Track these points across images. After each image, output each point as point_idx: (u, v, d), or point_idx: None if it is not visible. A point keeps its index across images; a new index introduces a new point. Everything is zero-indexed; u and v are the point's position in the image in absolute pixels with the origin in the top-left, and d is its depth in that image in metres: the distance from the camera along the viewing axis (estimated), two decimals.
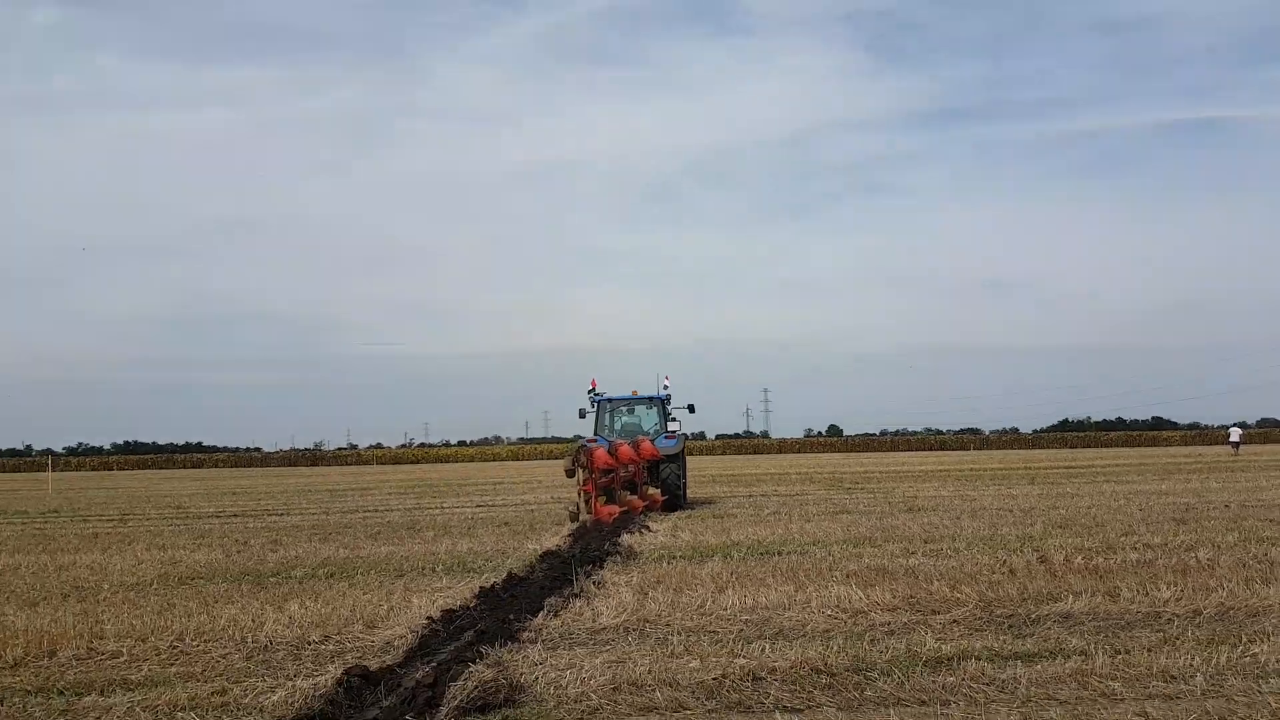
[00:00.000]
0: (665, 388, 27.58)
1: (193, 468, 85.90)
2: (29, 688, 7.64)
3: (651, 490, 24.44)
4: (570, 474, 22.01)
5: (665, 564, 13.32)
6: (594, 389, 26.98)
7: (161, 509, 31.42)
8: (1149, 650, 7.50)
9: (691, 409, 28.21)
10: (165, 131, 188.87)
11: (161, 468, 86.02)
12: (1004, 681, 6.72)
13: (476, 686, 6.70)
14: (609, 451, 22.41)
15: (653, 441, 24.81)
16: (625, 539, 17.41)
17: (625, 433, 26.63)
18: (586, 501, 22.04)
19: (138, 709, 6.88)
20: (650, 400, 27.39)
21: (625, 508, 22.08)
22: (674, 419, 27.02)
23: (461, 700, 6.61)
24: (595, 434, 26.28)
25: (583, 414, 27.46)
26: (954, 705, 6.28)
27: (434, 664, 8.36)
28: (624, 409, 27.59)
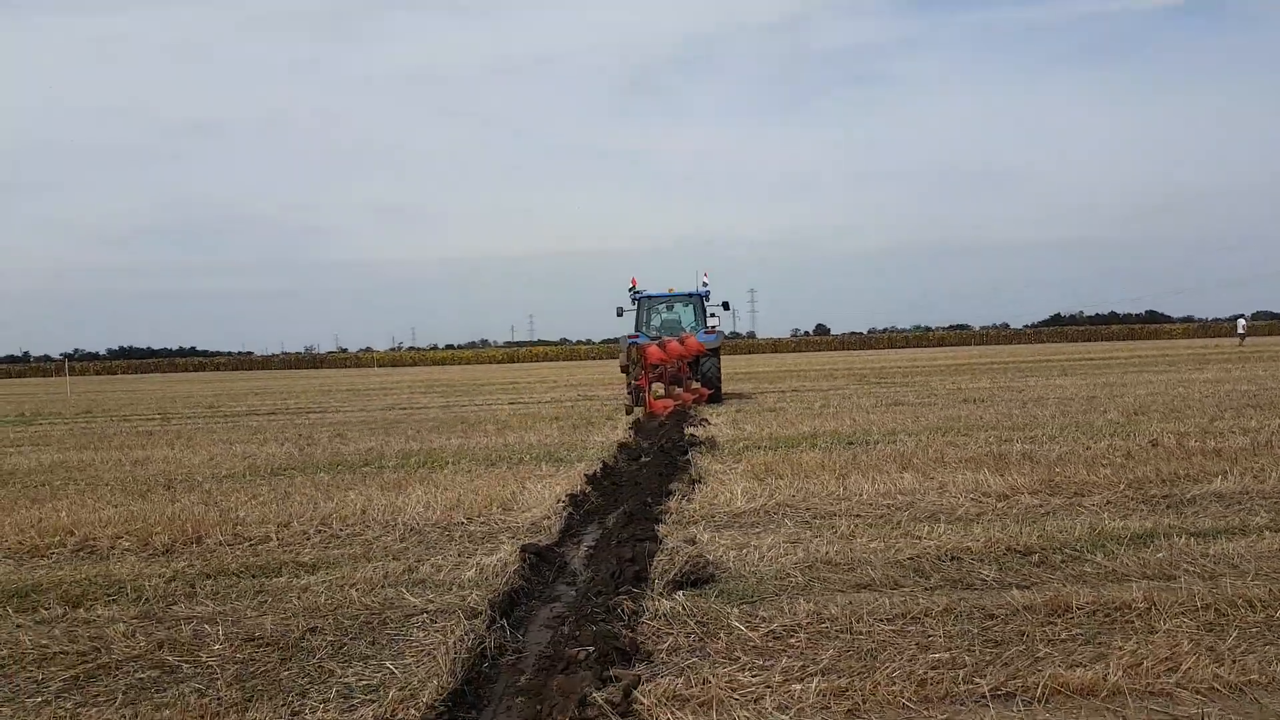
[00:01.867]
0: (704, 284, 27.68)
1: (195, 370, 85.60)
2: (199, 572, 7.55)
3: (695, 385, 24.92)
4: (625, 370, 22.46)
5: (760, 453, 13.29)
6: (634, 287, 27.07)
7: (194, 409, 31.28)
8: None
9: (726, 306, 28.28)
10: (139, 33, 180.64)
11: (165, 371, 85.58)
12: (1213, 556, 6.71)
13: (687, 561, 6.63)
14: (659, 346, 22.86)
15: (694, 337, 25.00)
16: (693, 431, 17.45)
17: (665, 329, 26.79)
18: (639, 396, 22.40)
19: (336, 587, 6.79)
20: (689, 296, 27.54)
21: (678, 401, 22.34)
22: (712, 314, 27.14)
23: (674, 575, 6.55)
24: (636, 331, 26.39)
25: (620, 312, 27.69)
26: (1180, 579, 6.25)
27: (595, 543, 8.34)
28: (663, 306, 27.64)
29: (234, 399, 37.73)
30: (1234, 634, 5.17)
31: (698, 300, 27.23)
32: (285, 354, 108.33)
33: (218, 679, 5.14)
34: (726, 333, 31.02)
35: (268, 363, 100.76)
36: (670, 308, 27.72)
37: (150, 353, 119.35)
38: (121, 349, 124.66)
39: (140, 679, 5.23)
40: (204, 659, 5.47)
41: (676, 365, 23.74)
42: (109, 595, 6.91)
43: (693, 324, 26.96)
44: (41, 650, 5.70)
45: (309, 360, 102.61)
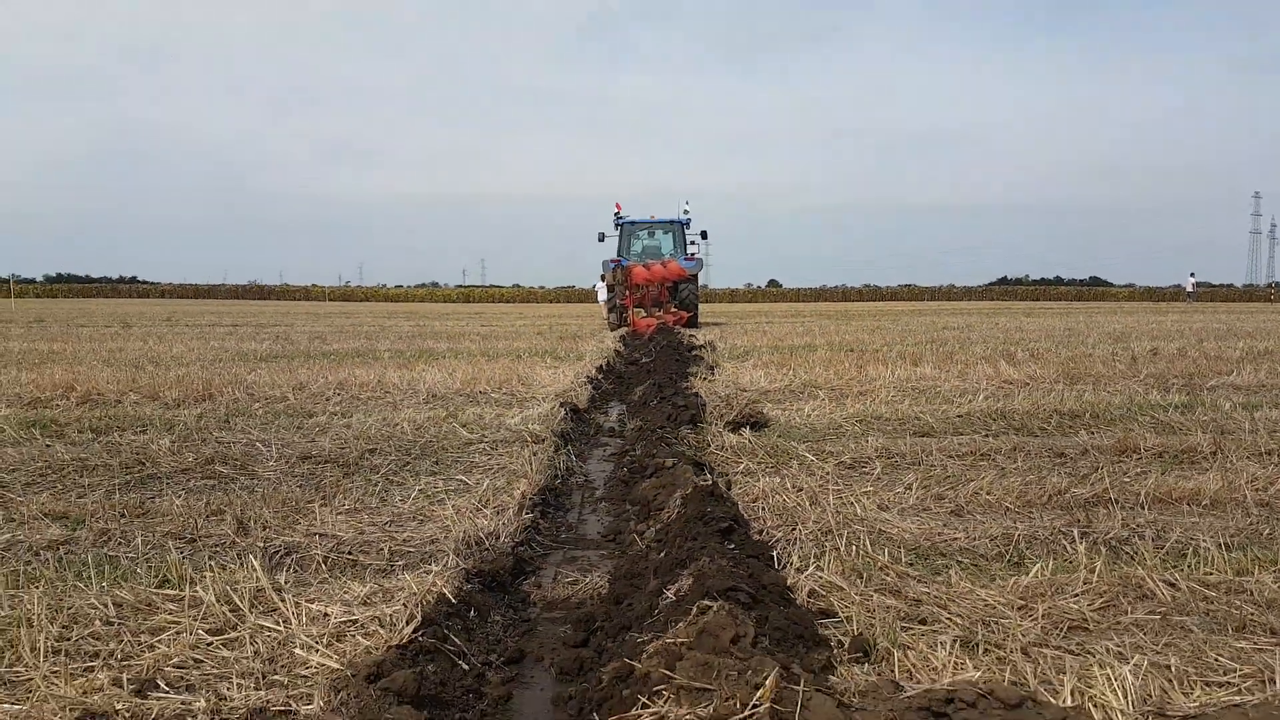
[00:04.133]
0: (685, 212, 27.76)
1: (139, 297, 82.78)
2: (227, 413, 7.21)
3: (673, 308, 25.04)
4: (610, 290, 22.62)
5: (766, 354, 13.24)
6: (619, 212, 27.05)
7: (154, 322, 30.19)
8: None
9: (705, 235, 28.34)
10: None
11: (107, 297, 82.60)
12: (1260, 419, 6.83)
13: (746, 405, 6.54)
14: (644, 268, 23.06)
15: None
16: (690, 336, 17.45)
17: (646, 255, 26.83)
18: (623, 315, 22.50)
19: (383, 424, 6.54)
20: (670, 224, 27.61)
21: (660, 320, 22.38)
22: (693, 242, 27.31)
23: (732, 416, 6.46)
24: (618, 256, 26.38)
25: (602, 237, 27.68)
26: (1236, 433, 6.34)
27: (635, 402, 8.20)
28: (644, 232, 27.66)
29: (191, 317, 36.54)
30: None
31: (678, 228, 27.29)
32: (231, 285, 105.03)
33: (283, 485, 4.90)
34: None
35: (213, 292, 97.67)
36: (652, 234, 27.71)
37: (90, 280, 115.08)
38: (60, 276, 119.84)
39: (197, 486, 4.97)
40: (260, 473, 5.22)
41: (658, 288, 23.87)
42: (138, 427, 6.57)
43: (673, 251, 27.03)
44: (82, 462, 5.39)
45: (255, 291, 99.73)
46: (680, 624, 2.63)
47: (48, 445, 5.86)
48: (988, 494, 4.67)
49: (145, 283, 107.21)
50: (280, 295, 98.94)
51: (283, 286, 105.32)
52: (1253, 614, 2.86)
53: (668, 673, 2.24)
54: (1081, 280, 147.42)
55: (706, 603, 2.62)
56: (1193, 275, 67.32)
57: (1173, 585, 3.09)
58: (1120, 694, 2.18)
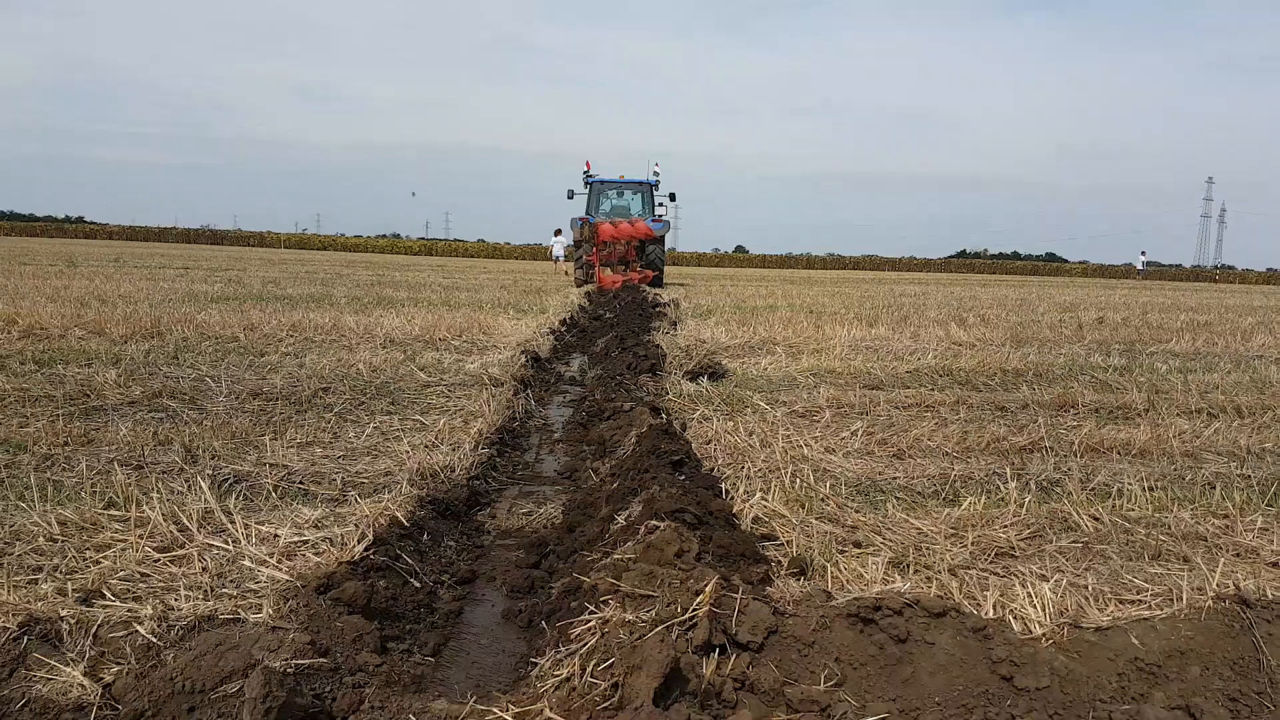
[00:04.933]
0: (655, 174, 27.76)
1: (86, 238, 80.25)
2: (175, 349, 7.11)
3: (639, 267, 25.08)
4: (578, 246, 22.63)
5: (728, 313, 13.34)
6: (588, 171, 26.94)
7: (101, 262, 29.36)
8: (1252, 373, 7.97)
9: (673, 197, 28.42)
10: None
11: (51, 236, 79.93)
12: (1193, 383, 7.09)
13: (705, 357, 6.62)
14: (611, 225, 23.19)
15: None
16: (654, 294, 17.52)
17: (614, 215, 26.80)
18: (589, 272, 22.57)
19: (337, 364, 6.51)
20: (639, 185, 27.60)
21: (625, 278, 22.46)
22: (661, 204, 27.35)
23: (690, 367, 6.53)
24: (586, 214, 26.32)
25: (571, 195, 27.55)
26: (1170, 393, 6.59)
27: (597, 351, 8.26)
28: (614, 192, 27.59)
29: (140, 259, 35.59)
30: (1235, 424, 5.49)
31: (647, 189, 27.27)
32: (182, 229, 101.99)
33: (233, 419, 4.87)
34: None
35: (164, 235, 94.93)
36: (621, 194, 27.65)
37: (33, 218, 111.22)
38: (1, 213, 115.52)
39: (144, 417, 4.92)
40: (209, 407, 5.18)
41: (625, 247, 23.91)
42: (83, 361, 6.45)
43: (640, 212, 27.04)
44: (23, 393, 5.29)
45: (208, 236, 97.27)
46: (629, 543, 2.72)
47: None
48: (929, 440, 4.82)
49: (92, 223, 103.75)
50: (233, 241, 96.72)
51: (236, 231, 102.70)
52: (1168, 544, 3.03)
53: (615, 582, 2.32)
54: (1038, 256, 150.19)
55: (655, 523, 2.70)
56: (1144, 254, 69.07)
57: (1096, 519, 3.24)
58: (1039, 607, 2.31)
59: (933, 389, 6.54)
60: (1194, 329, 11.98)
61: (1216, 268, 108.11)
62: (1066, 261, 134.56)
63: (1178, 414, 5.83)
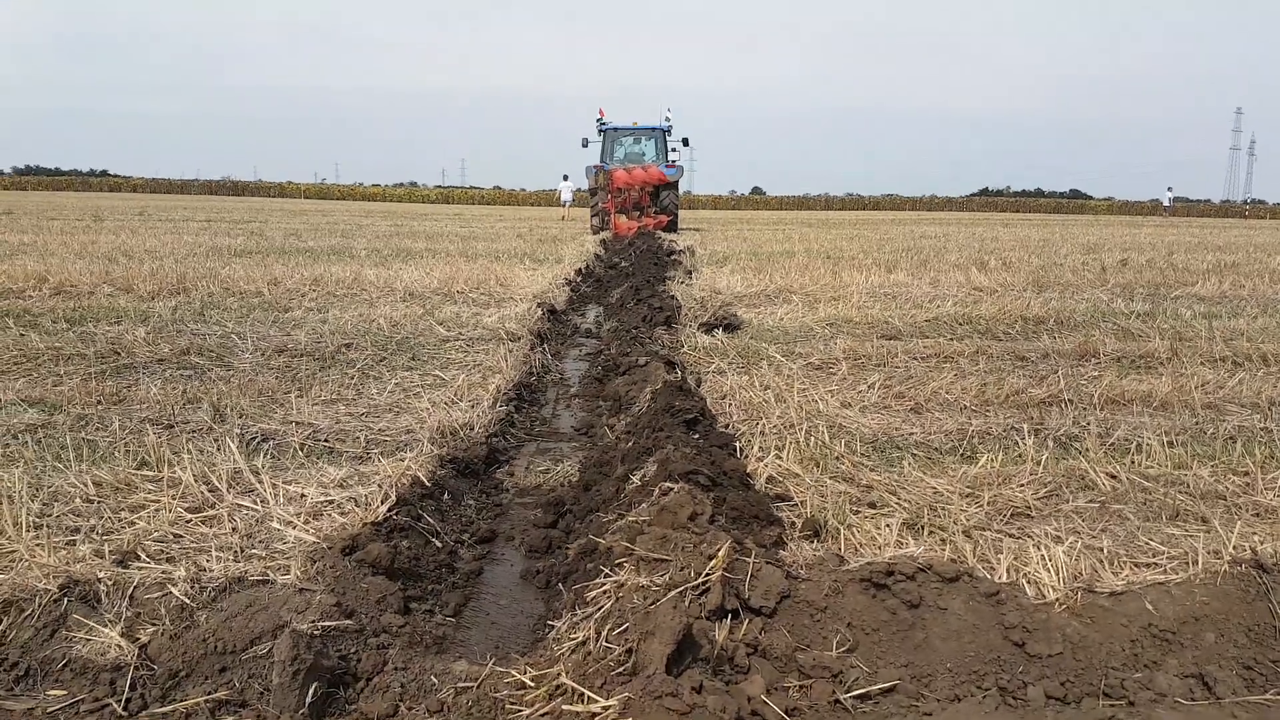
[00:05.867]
0: (667, 119, 27.52)
1: (111, 191, 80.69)
2: (202, 305, 7.20)
3: (654, 212, 25.02)
4: (593, 193, 22.62)
5: (744, 260, 13.26)
6: (602, 118, 26.71)
7: (126, 216, 29.56)
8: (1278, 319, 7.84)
9: (686, 142, 28.11)
10: None
11: (78, 190, 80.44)
12: (1219, 328, 7.00)
13: (720, 308, 6.62)
14: (626, 172, 23.10)
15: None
16: (670, 241, 17.43)
17: (629, 161, 26.63)
18: (605, 219, 22.53)
19: (359, 319, 6.57)
20: (652, 130, 27.41)
21: (641, 225, 22.38)
22: (674, 149, 27.11)
23: (706, 319, 6.54)
24: (600, 161, 26.21)
25: (585, 143, 27.37)
26: (1194, 340, 6.52)
27: (612, 303, 8.27)
28: (627, 138, 27.39)
29: (164, 211, 35.79)
30: (1260, 373, 5.43)
31: (660, 135, 27.08)
32: (205, 181, 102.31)
33: (259, 376, 4.95)
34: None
35: (186, 188, 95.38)
36: (635, 140, 27.46)
37: (60, 172, 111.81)
38: (29, 168, 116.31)
39: (173, 375, 5.01)
40: (236, 364, 5.27)
41: (639, 193, 23.81)
42: (112, 318, 6.56)
43: (654, 157, 26.86)
44: (57, 351, 5.40)
45: (230, 188, 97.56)
46: (643, 504, 2.76)
47: (21, 334, 5.85)
48: (947, 393, 4.81)
49: (116, 176, 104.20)
50: (254, 192, 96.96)
51: (257, 183, 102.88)
52: (1186, 503, 3.03)
53: (629, 546, 2.37)
54: (1062, 193, 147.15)
55: (668, 485, 2.74)
56: (1170, 190, 67.07)
57: (1114, 477, 3.25)
58: (1053, 571, 2.33)
59: (952, 338, 6.51)
60: (1220, 270, 11.76)
61: (1246, 203, 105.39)
62: (1091, 198, 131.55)
63: (1201, 362, 5.77)
